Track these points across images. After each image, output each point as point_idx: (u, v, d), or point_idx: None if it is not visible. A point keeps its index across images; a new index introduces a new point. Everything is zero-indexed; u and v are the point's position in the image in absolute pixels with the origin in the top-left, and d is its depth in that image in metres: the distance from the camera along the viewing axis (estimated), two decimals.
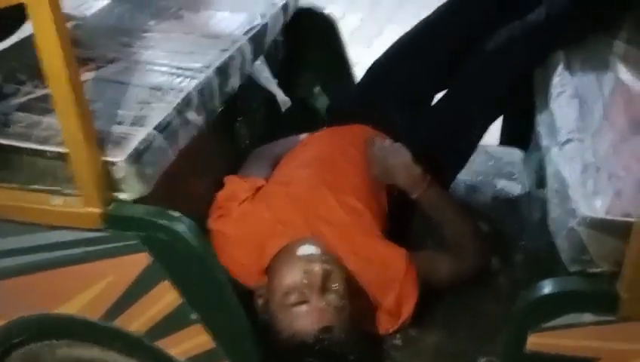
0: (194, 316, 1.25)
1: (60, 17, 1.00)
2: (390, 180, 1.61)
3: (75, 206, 1.18)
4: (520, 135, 2.10)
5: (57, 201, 1.20)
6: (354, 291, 1.41)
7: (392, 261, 1.48)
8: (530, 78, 1.78)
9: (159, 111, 1.28)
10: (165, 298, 1.24)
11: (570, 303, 1.04)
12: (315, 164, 1.65)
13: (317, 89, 2.11)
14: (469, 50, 1.71)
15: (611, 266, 1.02)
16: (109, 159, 1.15)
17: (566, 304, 1.04)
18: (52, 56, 1.02)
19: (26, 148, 1.20)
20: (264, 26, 1.71)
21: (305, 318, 1.29)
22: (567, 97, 1.35)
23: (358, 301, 1.42)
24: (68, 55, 1.03)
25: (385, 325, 1.48)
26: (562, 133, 1.24)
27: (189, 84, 1.38)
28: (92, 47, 1.54)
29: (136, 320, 1.29)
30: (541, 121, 1.41)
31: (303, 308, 1.30)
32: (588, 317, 1.04)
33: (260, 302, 1.38)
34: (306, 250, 1.37)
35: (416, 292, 1.47)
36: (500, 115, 1.83)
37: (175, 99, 1.32)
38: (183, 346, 1.30)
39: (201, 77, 1.42)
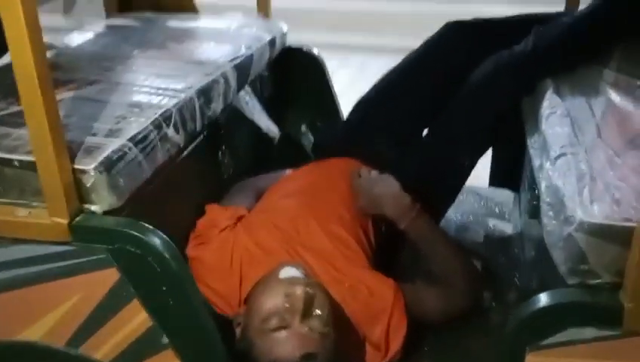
0: (165, 340, 1.16)
1: (33, 15, 0.96)
2: (377, 210, 1.55)
3: (41, 217, 1.10)
4: (509, 176, 2.07)
5: (23, 213, 1.13)
6: (339, 322, 1.32)
7: (379, 290, 1.41)
8: (518, 113, 1.76)
9: (135, 125, 1.23)
10: (135, 320, 1.15)
11: (570, 316, 0.97)
12: (300, 195, 1.60)
13: (303, 127, 2.08)
14: (455, 82, 1.69)
15: (612, 276, 0.96)
16: (79, 167, 1.09)
17: (566, 317, 0.97)
18: (22, 54, 0.97)
19: None
20: (249, 57, 1.69)
21: (285, 344, 1.19)
22: (558, 117, 1.31)
23: (343, 333, 1.33)
24: (39, 57, 0.98)
25: (372, 360, 1.38)
26: (554, 148, 1.19)
27: (169, 102, 1.34)
28: (73, 71, 1.51)
29: (104, 346, 1.19)
30: (532, 144, 1.37)
31: (284, 333, 1.21)
32: (590, 332, 0.96)
33: (238, 330, 1.29)
34: (289, 272, 1.29)
35: (405, 325, 1.38)
36: (489, 146, 1.79)
37: (153, 115, 1.28)
38: None
39: (182, 96, 1.38)
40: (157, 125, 1.26)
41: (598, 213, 0.96)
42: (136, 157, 1.18)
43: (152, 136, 1.24)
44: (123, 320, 1.16)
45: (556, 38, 1.57)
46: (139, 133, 1.21)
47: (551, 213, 1.07)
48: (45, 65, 1.00)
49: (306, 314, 1.22)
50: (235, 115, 1.69)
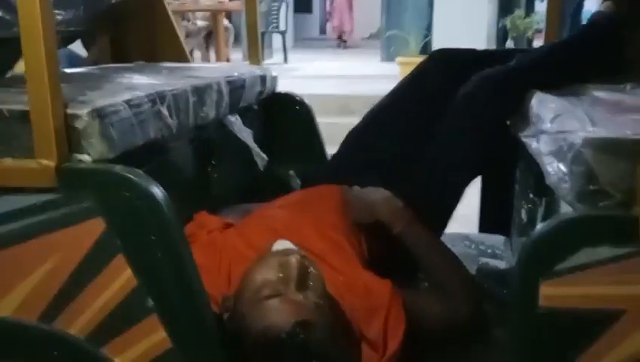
0: (150, 303, 1.07)
1: None
2: (371, 217, 1.51)
3: (27, 163, 1.06)
4: (499, 222, 2.05)
5: (7, 161, 1.08)
6: (335, 314, 1.24)
7: (375, 287, 1.34)
8: (505, 154, 1.78)
9: (130, 95, 1.22)
10: (118, 280, 1.07)
11: (581, 234, 0.92)
12: (293, 206, 1.57)
13: (291, 171, 2.07)
14: (442, 108, 1.72)
15: (624, 195, 0.92)
16: (72, 112, 1.07)
17: (577, 236, 0.92)
18: None
19: None
20: (242, 80, 1.73)
21: (279, 310, 1.11)
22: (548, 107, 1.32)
23: (339, 326, 1.24)
24: None
25: (369, 360, 1.28)
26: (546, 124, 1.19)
27: (164, 87, 1.34)
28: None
29: (81, 317, 1.09)
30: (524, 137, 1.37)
31: (277, 300, 1.13)
32: (604, 251, 0.91)
33: (227, 315, 1.20)
34: (282, 244, 1.23)
35: (403, 322, 1.30)
36: (480, 163, 1.78)
37: (148, 91, 1.27)
38: (134, 350, 1.09)
39: (177, 86, 1.38)
40: (152, 100, 1.25)
41: (603, 130, 0.95)
42: (130, 118, 1.16)
43: (145, 106, 1.22)
44: (105, 282, 1.07)
45: (538, 55, 1.64)
46: (133, 99, 1.20)
47: (549, 159, 1.06)
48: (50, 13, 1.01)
49: (301, 283, 1.15)
50: (226, 135, 1.68)
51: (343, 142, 1.87)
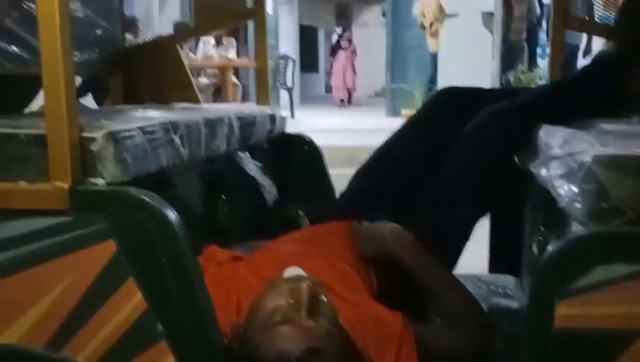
0: (159, 328, 1.06)
1: None
2: (380, 250, 1.50)
3: (41, 185, 1.07)
4: (509, 262, 2.03)
5: (22, 183, 1.09)
6: (347, 344, 1.23)
7: (386, 319, 1.32)
8: (513, 195, 1.79)
9: (144, 122, 1.24)
10: (128, 304, 1.06)
11: (595, 252, 0.91)
12: (303, 241, 1.56)
13: (300, 212, 2.07)
14: (450, 145, 1.73)
15: (638, 213, 0.92)
16: (88, 135, 1.08)
17: (590, 253, 0.91)
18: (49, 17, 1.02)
19: None
20: (252, 118, 1.75)
21: (290, 336, 1.09)
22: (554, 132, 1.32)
23: (351, 358, 1.22)
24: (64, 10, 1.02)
25: None
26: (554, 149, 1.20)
27: (177, 117, 1.36)
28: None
29: (91, 343, 1.08)
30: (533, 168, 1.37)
31: (288, 326, 1.11)
32: (619, 269, 0.90)
33: (236, 343, 1.18)
34: (293, 271, 1.22)
35: (415, 358, 1.28)
36: (490, 196, 1.77)
37: (161, 120, 1.29)
38: None
39: (190, 118, 1.41)
40: (165, 128, 1.27)
41: (613, 148, 0.95)
42: (143, 144, 1.17)
43: (159, 134, 1.24)
44: (114, 307, 1.06)
45: (544, 91, 1.66)
46: (147, 126, 1.21)
47: (559, 182, 1.06)
48: (68, 25, 1.04)
49: (312, 310, 1.14)
50: (237, 170, 1.69)
51: (351, 180, 1.87)
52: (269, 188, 1.78)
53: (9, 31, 1.64)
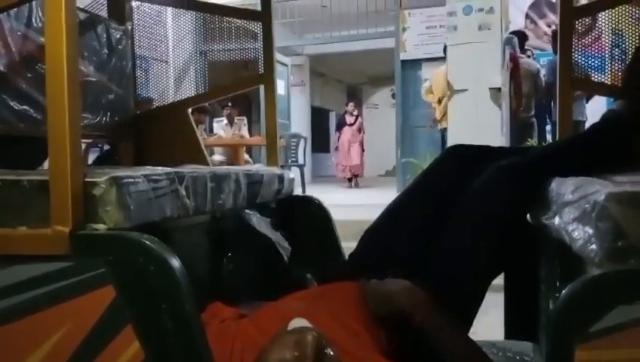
0: None
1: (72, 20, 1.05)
2: (390, 307, 1.45)
3: (42, 230, 1.05)
4: (525, 328, 1.96)
5: (22, 229, 1.07)
6: None
7: None
8: (528, 257, 1.75)
9: (150, 170, 1.23)
10: (124, 355, 1.01)
11: (615, 291, 0.87)
12: (309, 297, 1.52)
13: (308, 275, 2.03)
14: (457, 200, 1.70)
15: None
16: (91, 179, 1.07)
17: (611, 293, 0.87)
18: (54, 39, 1.03)
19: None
20: (260, 176, 1.74)
21: None
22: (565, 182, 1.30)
23: None
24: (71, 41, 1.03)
25: None
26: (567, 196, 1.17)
27: (183, 170, 1.35)
28: None
29: None
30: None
31: None
32: None
33: None
34: (298, 323, 1.17)
35: None
36: (501, 257, 1.72)
37: (167, 171, 1.28)
38: None
39: (196, 171, 1.40)
40: (170, 178, 1.26)
41: (627, 186, 0.92)
42: (147, 191, 1.16)
43: (164, 183, 1.23)
44: (111, 357, 1.02)
45: (553, 147, 1.65)
46: (152, 174, 1.20)
47: (572, 226, 1.03)
48: (75, 61, 1.05)
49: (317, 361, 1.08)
50: (243, 229, 1.67)
51: (360, 239, 1.84)
52: (282, 243, 1.75)
53: (22, 91, 1.67)
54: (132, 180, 1.13)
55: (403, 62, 9.19)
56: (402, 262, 1.74)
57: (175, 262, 1.01)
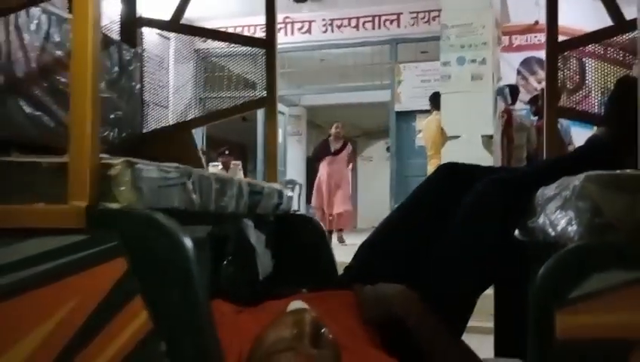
0: (162, 348, 1.06)
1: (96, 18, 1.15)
2: (384, 311, 1.51)
3: (59, 205, 1.12)
4: (515, 345, 2.01)
5: (40, 204, 1.14)
6: None
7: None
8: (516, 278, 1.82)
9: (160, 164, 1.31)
10: (133, 323, 1.07)
11: (591, 261, 0.94)
12: (306, 298, 1.57)
13: (304, 290, 2.08)
14: (449, 214, 1.77)
15: (629, 228, 0.96)
16: (107, 161, 1.15)
17: (587, 262, 0.94)
18: (82, 45, 1.13)
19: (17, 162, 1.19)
20: (260, 188, 1.82)
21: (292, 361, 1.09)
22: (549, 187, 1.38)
23: None
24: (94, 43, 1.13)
25: None
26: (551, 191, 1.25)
27: (190, 168, 1.43)
28: None
29: (97, 359, 1.08)
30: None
31: (291, 353, 1.11)
32: (616, 276, 0.93)
33: None
34: (296, 305, 1.23)
35: None
36: (491, 267, 1.78)
37: (175, 165, 1.36)
38: None
39: (203, 172, 1.47)
40: (179, 172, 1.34)
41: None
42: (158, 179, 1.23)
43: (173, 174, 1.30)
44: (120, 325, 1.08)
45: (541, 164, 1.74)
46: (163, 165, 1.28)
47: (558, 206, 1.11)
48: (97, 56, 1.15)
49: (314, 340, 1.14)
50: (242, 237, 1.74)
51: (355, 254, 1.90)
52: (265, 262, 1.81)
53: (37, 99, 1.76)
54: (145, 166, 1.20)
55: (398, 113, 9.41)
56: (396, 275, 1.80)
57: (183, 237, 1.08)
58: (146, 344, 1.07)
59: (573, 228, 1.02)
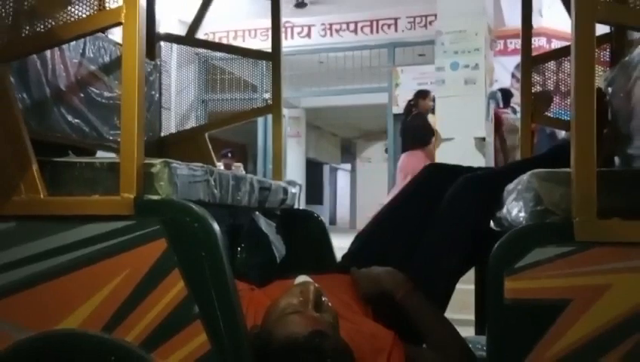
0: (196, 310, 1.33)
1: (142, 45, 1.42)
2: (376, 288, 1.78)
3: (112, 196, 1.39)
4: None
5: (95, 196, 1.41)
6: (347, 347, 1.48)
7: (380, 333, 1.59)
8: None
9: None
10: (172, 290, 1.34)
11: (532, 238, 1.21)
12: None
13: None
14: (435, 206, 2.03)
15: (563, 212, 1.23)
16: (150, 161, 1.42)
17: (529, 239, 1.21)
18: (131, 68, 1.40)
19: (78, 163, 1.46)
20: (269, 183, 2.09)
21: (298, 322, 1.36)
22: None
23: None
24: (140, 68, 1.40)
25: None
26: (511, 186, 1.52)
27: (210, 168, 1.70)
28: None
29: (138, 325, 1.35)
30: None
31: (297, 315, 1.38)
32: (551, 250, 1.20)
33: (254, 338, 1.44)
34: (302, 278, 1.50)
35: None
36: (470, 253, 2.04)
37: (200, 165, 1.63)
38: (180, 353, 1.33)
39: (221, 171, 1.75)
40: (204, 170, 1.61)
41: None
42: (188, 176, 1.51)
43: (199, 172, 1.58)
44: (161, 293, 1.35)
45: (517, 162, 2.00)
46: (190, 165, 1.55)
47: (514, 198, 1.38)
48: (142, 82, 1.42)
49: (317, 305, 1.41)
50: (256, 227, 2.00)
51: (352, 243, 2.17)
52: (279, 247, 2.07)
53: (75, 108, 2.02)
54: (178, 166, 1.47)
55: (395, 115, 9.67)
56: (387, 259, 2.07)
57: (212, 222, 1.35)
58: (182, 306, 1.34)
59: (521, 214, 1.29)
